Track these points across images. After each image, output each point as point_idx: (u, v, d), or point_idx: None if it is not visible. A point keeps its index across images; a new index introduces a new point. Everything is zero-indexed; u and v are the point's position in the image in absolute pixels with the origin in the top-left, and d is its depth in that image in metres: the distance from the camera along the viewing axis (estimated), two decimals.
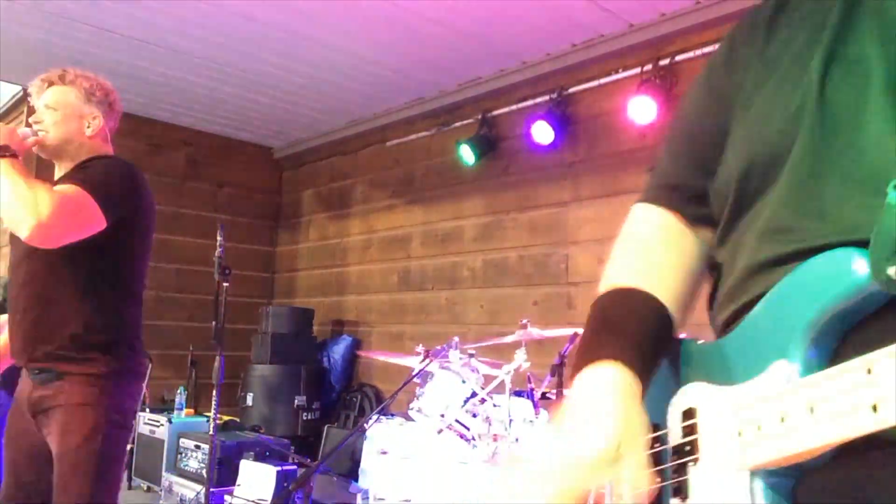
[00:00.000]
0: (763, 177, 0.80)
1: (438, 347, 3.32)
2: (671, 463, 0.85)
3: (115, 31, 4.75)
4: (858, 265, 0.67)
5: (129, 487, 4.99)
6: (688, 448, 0.82)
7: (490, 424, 3.04)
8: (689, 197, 0.96)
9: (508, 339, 3.34)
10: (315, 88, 5.61)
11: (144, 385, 2.92)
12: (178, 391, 5.31)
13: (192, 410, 5.21)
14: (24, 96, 5.99)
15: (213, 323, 3.36)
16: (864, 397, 0.61)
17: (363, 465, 3.37)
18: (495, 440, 3.01)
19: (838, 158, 0.73)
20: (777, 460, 0.70)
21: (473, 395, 3.08)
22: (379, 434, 3.33)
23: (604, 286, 0.96)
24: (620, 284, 0.94)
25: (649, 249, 0.98)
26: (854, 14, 0.77)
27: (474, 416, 3.05)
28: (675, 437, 0.85)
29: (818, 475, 0.71)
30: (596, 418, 0.78)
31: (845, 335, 0.70)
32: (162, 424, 4.90)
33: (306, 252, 7.07)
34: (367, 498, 3.21)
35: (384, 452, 3.25)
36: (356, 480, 3.41)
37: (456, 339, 3.40)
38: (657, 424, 0.87)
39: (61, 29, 4.74)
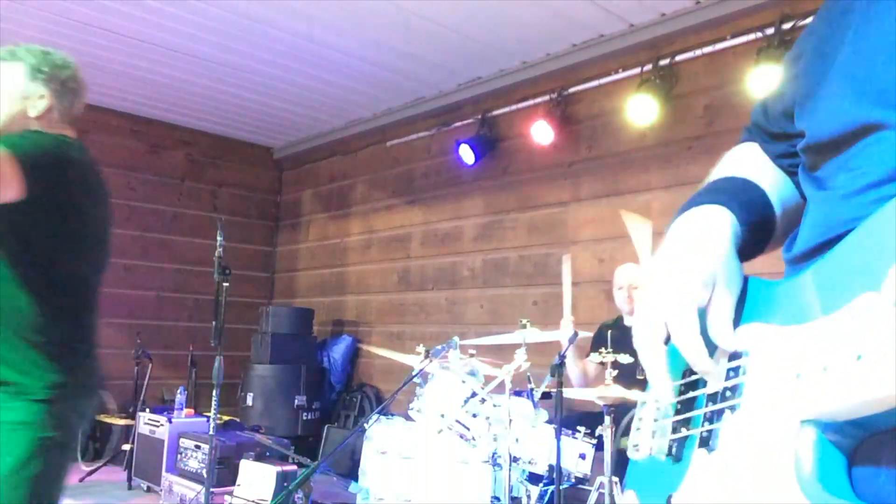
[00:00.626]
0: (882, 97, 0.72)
1: (438, 347, 3.31)
2: (704, 409, 0.77)
3: (115, 32, 4.75)
4: None
5: (129, 487, 4.99)
6: (728, 393, 0.74)
7: (490, 424, 3.04)
8: (781, 152, 0.94)
9: (508, 339, 3.34)
10: (315, 88, 5.61)
11: (98, 399, 2.90)
12: (178, 391, 5.31)
13: (192, 410, 5.21)
14: None
15: (213, 323, 3.36)
16: None
17: (363, 465, 3.36)
18: (495, 440, 3.01)
19: None
20: (842, 409, 0.59)
21: (473, 395, 3.08)
22: (379, 434, 3.33)
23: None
24: (720, 175, 0.93)
25: (752, 163, 0.95)
26: None
27: (474, 416, 3.05)
28: (714, 382, 0.77)
29: (889, 436, 0.60)
30: (706, 245, 0.80)
31: None
32: (162, 424, 4.89)
33: (306, 252, 7.07)
34: (368, 498, 3.21)
35: (384, 452, 3.25)
36: (356, 480, 3.40)
37: (456, 339, 3.40)
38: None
39: (61, 29, 4.74)
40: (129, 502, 4.77)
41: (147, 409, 5.17)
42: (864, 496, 0.61)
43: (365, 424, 3.42)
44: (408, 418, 3.28)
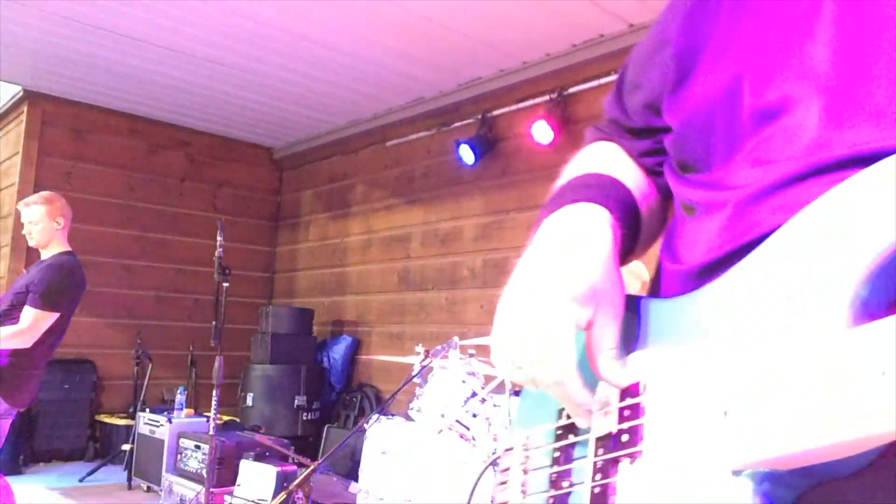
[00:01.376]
0: (778, 81, 0.62)
1: (438, 347, 3.31)
2: (596, 458, 0.61)
3: (115, 31, 4.75)
4: None
5: (129, 487, 4.99)
6: (624, 438, 0.59)
7: (490, 424, 3.04)
8: (645, 149, 0.83)
9: None
10: (315, 88, 5.61)
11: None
12: (178, 391, 5.31)
13: (192, 410, 5.21)
14: (25, 96, 5.99)
15: (213, 323, 3.36)
16: None
17: (363, 465, 3.36)
18: (495, 440, 3.01)
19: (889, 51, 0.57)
20: (795, 454, 0.47)
21: (473, 395, 3.08)
22: (379, 434, 3.33)
23: (561, 182, 0.80)
24: (584, 171, 0.80)
25: (611, 161, 0.83)
26: None
27: (474, 416, 3.05)
28: (604, 423, 0.62)
29: (843, 485, 0.50)
30: (586, 248, 0.65)
31: None
32: (162, 424, 4.90)
33: (306, 252, 7.07)
34: (368, 498, 3.21)
35: (384, 452, 3.25)
36: (356, 480, 3.41)
37: (456, 339, 3.40)
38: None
39: (61, 29, 4.74)
40: (129, 502, 4.77)
41: (147, 409, 5.18)
42: None
43: (365, 424, 3.42)
44: (408, 418, 3.28)
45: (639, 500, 0.56)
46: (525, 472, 0.70)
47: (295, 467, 3.95)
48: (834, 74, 0.59)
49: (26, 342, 3.20)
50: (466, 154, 5.10)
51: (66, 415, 5.72)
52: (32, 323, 3.22)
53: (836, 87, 0.58)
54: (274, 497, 3.71)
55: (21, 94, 6.01)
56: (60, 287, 3.32)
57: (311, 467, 2.56)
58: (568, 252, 0.66)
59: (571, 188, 0.76)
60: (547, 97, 4.82)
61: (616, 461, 0.59)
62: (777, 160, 0.60)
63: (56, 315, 3.28)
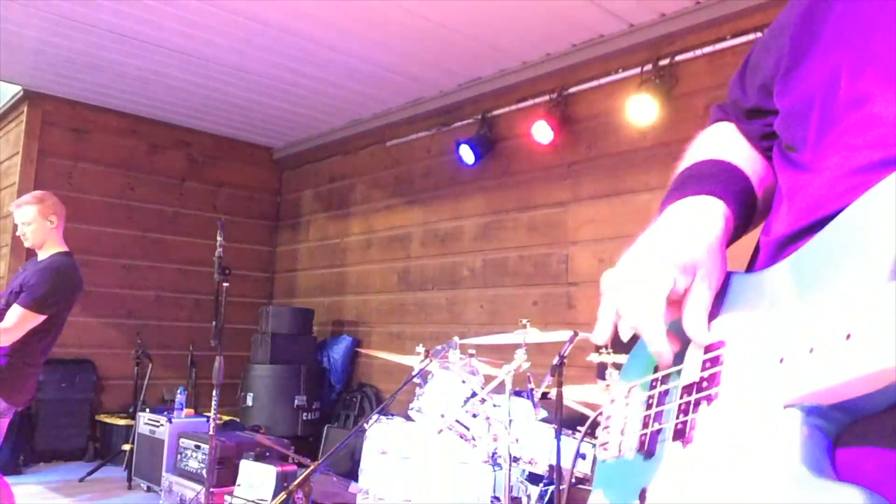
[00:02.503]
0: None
1: (438, 347, 3.31)
2: (680, 401, 0.74)
3: (114, 31, 4.75)
4: None
5: (129, 487, 4.99)
6: (705, 384, 0.72)
7: (490, 424, 3.03)
8: (758, 133, 0.90)
9: (508, 339, 3.34)
10: (315, 88, 5.61)
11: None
12: (178, 391, 5.31)
13: (192, 410, 5.21)
14: (25, 96, 5.99)
15: (213, 323, 3.36)
16: None
17: (363, 465, 3.36)
18: (495, 440, 3.01)
19: None
20: (829, 390, 0.57)
21: (473, 395, 3.08)
22: (379, 434, 3.33)
23: (685, 164, 0.91)
24: (706, 157, 0.89)
25: (732, 144, 0.91)
26: None
27: (474, 416, 3.05)
28: (689, 374, 0.75)
29: (878, 420, 0.58)
30: (692, 231, 0.77)
31: None
32: (162, 424, 4.90)
33: (306, 252, 7.07)
34: (368, 498, 3.21)
35: (384, 452, 3.25)
36: (356, 480, 3.40)
37: (456, 339, 3.40)
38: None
39: (61, 29, 4.74)
40: (129, 502, 4.77)
41: (147, 409, 5.18)
42: (848, 481, 0.59)
43: (365, 424, 3.41)
44: (408, 418, 3.28)
45: (710, 432, 0.68)
46: (625, 416, 0.84)
47: (295, 467, 3.95)
48: None
49: (5, 341, 3.18)
50: (466, 154, 5.10)
51: (66, 415, 5.72)
52: (16, 322, 3.19)
53: None
54: (274, 497, 3.71)
55: (21, 94, 6.01)
56: (54, 290, 3.29)
57: (311, 467, 2.56)
58: (679, 232, 0.78)
59: (694, 177, 0.86)
60: (547, 97, 4.83)
61: (697, 403, 0.72)
62: (860, 147, 0.67)
63: (42, 318, 3.25)
